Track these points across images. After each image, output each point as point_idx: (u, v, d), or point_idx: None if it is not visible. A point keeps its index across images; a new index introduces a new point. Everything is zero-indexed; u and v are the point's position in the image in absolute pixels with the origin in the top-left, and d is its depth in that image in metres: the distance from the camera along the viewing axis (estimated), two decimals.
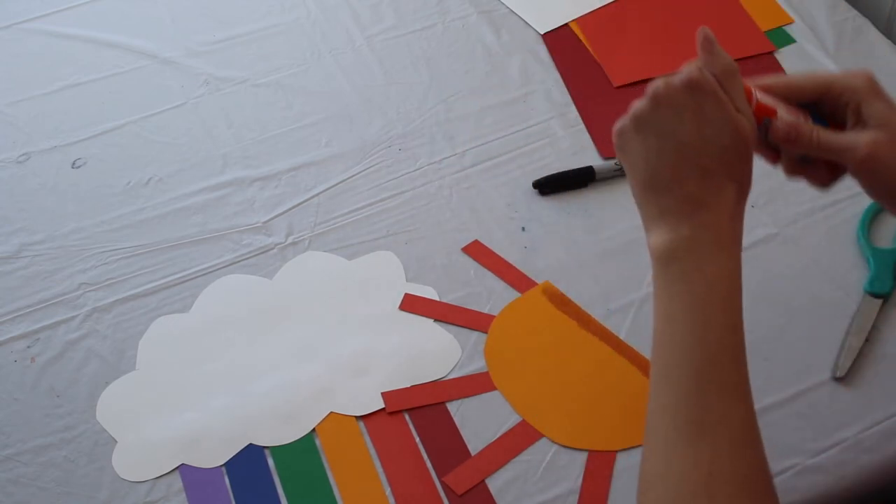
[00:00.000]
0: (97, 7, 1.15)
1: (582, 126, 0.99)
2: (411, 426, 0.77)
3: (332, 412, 0.79)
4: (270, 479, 0.74)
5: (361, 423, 0.78)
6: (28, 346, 0.84)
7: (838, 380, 0.77)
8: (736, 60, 1.06)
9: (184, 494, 0.74)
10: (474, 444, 0.76)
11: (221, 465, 0.76)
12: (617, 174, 0.92)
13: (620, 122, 0.64)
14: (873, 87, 0.65)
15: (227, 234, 0.92)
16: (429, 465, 0.75)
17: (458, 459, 0.75)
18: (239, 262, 0.89)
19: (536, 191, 0.92)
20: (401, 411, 0.78)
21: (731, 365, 0.59)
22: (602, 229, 0.89)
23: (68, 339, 0.84)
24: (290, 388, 0.80)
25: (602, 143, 0.95)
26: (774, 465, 0.73)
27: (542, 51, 1.07)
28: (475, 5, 1.12)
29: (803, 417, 0.76)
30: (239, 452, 0.77)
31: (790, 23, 1.07)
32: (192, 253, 0.90)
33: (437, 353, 0.82)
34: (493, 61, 1.06)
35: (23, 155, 1.00)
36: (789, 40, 1.05)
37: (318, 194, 0.94)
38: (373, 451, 0.76)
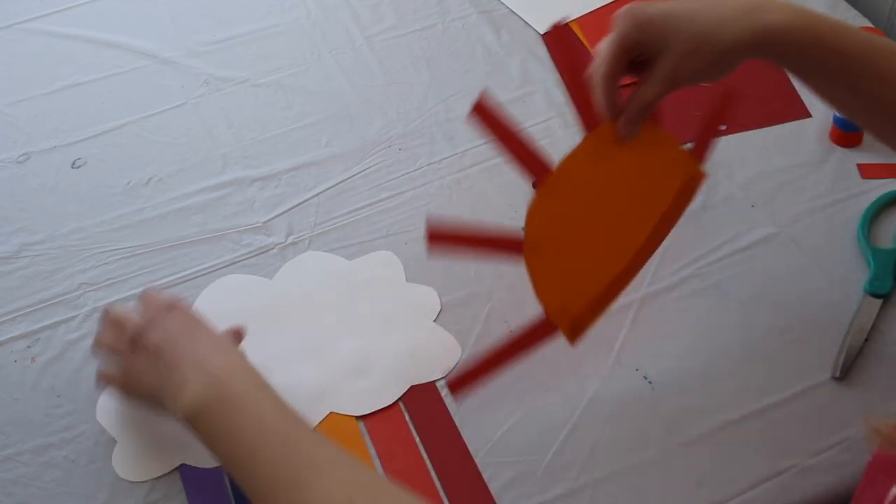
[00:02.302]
0: (97, 7, 1.15)
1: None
2: (411, 426, 0.77)
3: (332, 412, 0.79)
4: None
5: (361, 424, 0.78)
6: (28, 346, 0.84)
7: (838, 380, 0.77)
8: None
9: (184, 494, 0.74)
10: (475, 445, 0.76)
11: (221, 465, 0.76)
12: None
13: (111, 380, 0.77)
14: (632, 21, 0.72)
15: (227, 234, 0.92)
16: (429, 465, 0.75)
17: (458, 459, 0.75)
18: (239, 262, 0.89)
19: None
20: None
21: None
22: None
23: (68, 339, 0.84)
24: (290, 388, 0.80)
25: None
26: (774, 465, 0.73)
27: (542, 51, 1.07)
28: (475, 5, 1.12)
29: (803, 417, 0.76)
30: None
31: None
32: (192, 253, 0.90)
33: (437, 353, 0.82)
34: (493, 61, 1.06)
35: (23, 155, 1.00)
36: None
37: (318, 194, 0.94)
38: (373, 451, 0.76)
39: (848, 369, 0.78)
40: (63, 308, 0.87)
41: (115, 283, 0.88)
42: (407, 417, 0.78)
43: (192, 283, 0.88)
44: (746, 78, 1.02)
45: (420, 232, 0.90)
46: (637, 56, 0.72)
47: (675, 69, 0.69)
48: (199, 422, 0.67)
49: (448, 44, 1.09)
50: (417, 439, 0.77)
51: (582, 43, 1.07)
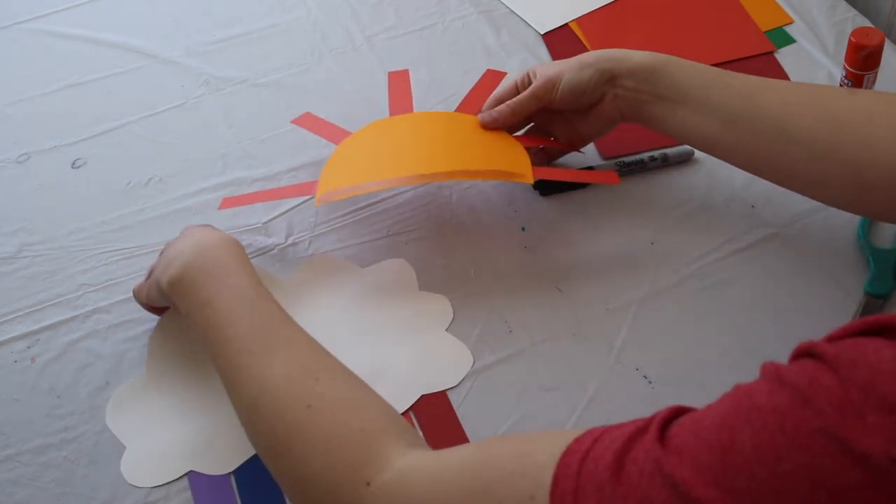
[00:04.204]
0: (97, 7, 1.15)
1: None
2: (421, 435, 0.76)
3: None
4: (278, 487, 0.73)
5: None
6: (28, 347, 0.84)
7: None
8: (736, 60, 1.07)
9: (185, 495, 0.74)
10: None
11: (230, 473, 0.76)
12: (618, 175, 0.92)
13: None
14: (542, 63, 0.92)
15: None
16: None
17: None
18: None
19: (537, 191, 0.92)
20: (408, 411, 0.78)
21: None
22: (602, 229, 0.89)
23: (68, 339, 0.84)
24: None
25: (602, 143, 0.95)
26: None
27: (542, 51, 1.07)
28: (475, 5, 1.12)
29: None
30: (248, 460, 0.76)
31: (790, 23, 1.07)
32: None
33: (448, 362, 0.81)
34: (493, 61, 1.06)
35: (23, 155, 1.00)
36: (789, 40, 1.05)
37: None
38: None
39: None
40: (63, 308, 0.87)
41: (115, 284, 0.88)
42: (417, 427, 0.77)
43: None
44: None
45: (420, 232, 0.91)
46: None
47: (541, 85, 0.86)
48: (182, 286, 0.73)
49: (448, 44, 1.09)
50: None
51: (582, 43, 1.07)
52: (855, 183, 0.73)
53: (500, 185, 0.94)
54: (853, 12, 1.07)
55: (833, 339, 0.49)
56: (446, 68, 1.06)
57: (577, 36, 1.08)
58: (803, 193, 0.79)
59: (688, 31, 1.08)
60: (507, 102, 0.88)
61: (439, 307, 0.85)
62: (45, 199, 0.96)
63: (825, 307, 0.82)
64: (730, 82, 0.79)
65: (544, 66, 0.88)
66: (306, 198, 0.93)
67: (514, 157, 0.87)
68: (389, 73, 1.00)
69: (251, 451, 0.76)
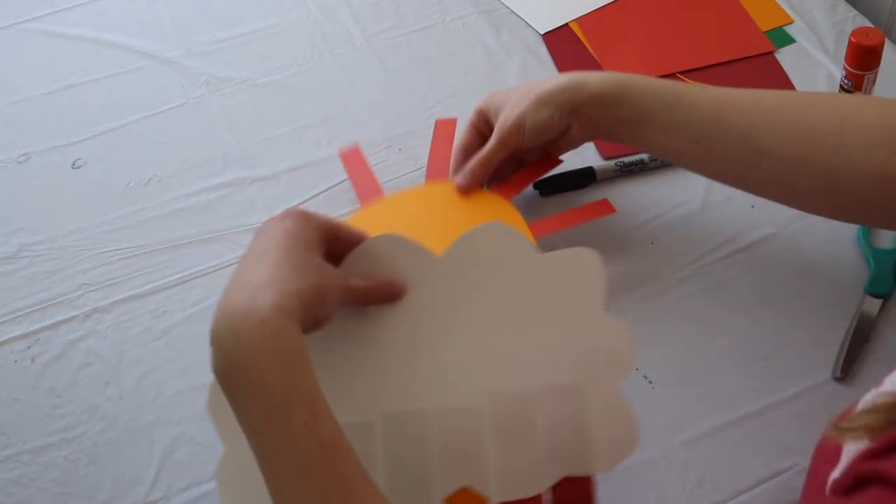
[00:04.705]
0: (97, 7, 1.15)
1: None
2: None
3: (463, 487, 0.61)
4: None
5: None
6: (28, 347, 0.84)
7: (838, 380, 0.77)
8: (736, 60, 1.07)
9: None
10: None
11: None
12: (617, 175, 0.93)
13: None
14: (486, 99, 0.86)
15: (227, 234, 0.92)
16: None
17: None
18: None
19: (537, 191, 0.92)
20: None
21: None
22: (602, 230, 0.89)
23: (68, 339, 0.84)
24: (422, 434, 0.62)
25: (602, 143, 0.95)
26: (774, 465, 0.73)
27: (542, 51, 1.07)
28: (475, 5, 1.12)
29: (803, 417, 0.76)
30: None
31: (790, 23, 1.07)
32: (192, 253, 0.90)
33: (607, 435, 0.63)
34: (492, 61, 1.06)
35: (23, 155, 1.00)
36: (789, 40, 1.05)
37: (318, 194, 0.94)
38: None
39: (848, 369, 0.78)
40: (63, 308, 0.87)
41: (115, 284, 0.88)
42: None
43: (192, 284, 0.88)
44: (746, 78, 1.02)
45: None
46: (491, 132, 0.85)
47: (507, 133, 0.82)
48: (222, 386, 0.57)
49: (448, 44, 1.09)
50: None
51: (582, 43, 1.07)
52: (831, 191, 0.73)
53: None
54: (853, 12, 1.07)
55: (883, 450, 0.45)
56: (446, 68, 1.06)
57: (577, 36, 1.08)
58: (781, 203, 0.79)
59: (688, 31, 1.08)
60: (477, 159, 0.85)
61: (619, 343, 0.64)
62: (45, 199, 0.96)
63: (825, 307, 0.82)
64: (694, 99, 0.77)
65: (499, 105, 0.84)
66: (306, 197, 0.94)
67: (507, 222, 0.69)
68: (437, 120, 0.95)
69: None
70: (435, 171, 0.90)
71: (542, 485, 0.62)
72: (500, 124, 0.83)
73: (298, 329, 0.56)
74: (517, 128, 0.82)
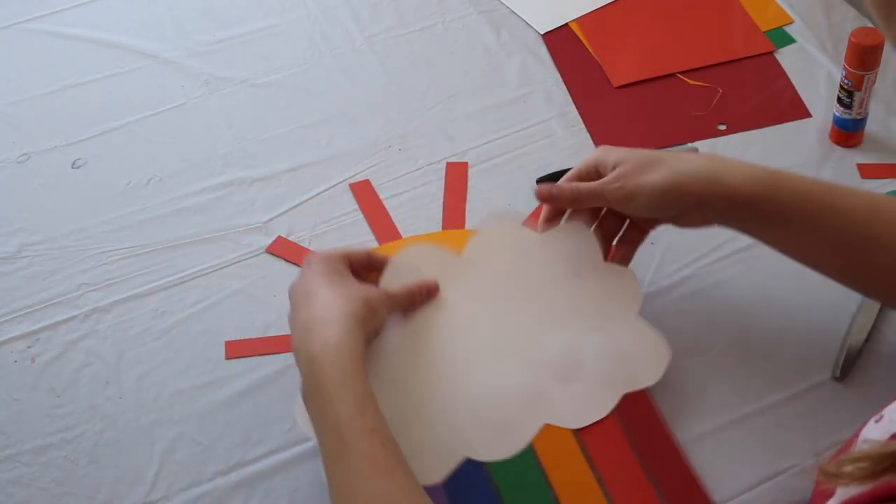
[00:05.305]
0: (97, 7, 1.16)
1: (582, 126, 0.99)
2: (626, 437, 0.74)
3: (546, 423, 0.72)
4: (489, 492, 0.68)
5: (576, 435, 0.73)
6: (28, 347, 0.84)
7: (838, 380, 0.77)
8: (736, 60, 1.07)
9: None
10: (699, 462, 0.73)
11: (440, 483, 0.69)
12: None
13: None
14: (605, 149, 0.77)
15: (227, 234, 0.92)
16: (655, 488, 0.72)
17: (679, 473, 0.72)
18: (239, 262, 0.89)
19: None
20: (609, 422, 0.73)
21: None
22: None
23: (68, 339, 0.84)
24: (495, 392, 0.72)
25: (602, 143, 0.95)
26: (774, 466, 0.73)
27: (542, 51, 1.07)
28: (475, 5, 1.12)
29: (803, 417, 0.76)
30: (457, 468, 0.69)
31: (790, 23, 1.07)
32: (192, 253, 0.90)
33: (645, 354, 0.75)
34: (492, 61, 1.06)
35: (23, 155, 1.00)
36: (789, 40, 1.06)
37: (318, 194, 0.94)
38: (594, 467, 0.72)
39: (848, 369, 0.78)
40: (63, 308, 0.87)
41: (115, 284, 0.88)
42: (621, 428, 0.74)
43: (192, 283, 0.88)
44: (746, 78, 1.02)
45: (420, 233, 0.90)
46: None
47: (615, 196, 0.74)
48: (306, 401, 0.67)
49: (448, 44, 1.09)
50: (636, 455, 0.73)
51: (582, 43, 1.07)
52: None
53: (501, 185, 0.94)
54: (853, 12, 1.07)
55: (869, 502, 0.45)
56: (446, 68, 1.06)
57: (577, 36, 1.08)
58: None
59: (688, 31, 1.08)
60: (576, 184, 0.77)
61: (627, 286, 0.78)
62: (45, 199, 0.96)
63: (825, 307, 0.82)
64: (842, 205, 0.71)
65: (617, 161, 0.75)
66: (306, 197, 0.94)
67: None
68: (448, 163, 0.95)
69: (458, 458, 0.70)
70: (451, 218, 0.91)
71: (606, 407, 0.73)
72: (612, 182, 0.75)
73: (362, 342, 0.67)
74: (629, 198, 0.74)
